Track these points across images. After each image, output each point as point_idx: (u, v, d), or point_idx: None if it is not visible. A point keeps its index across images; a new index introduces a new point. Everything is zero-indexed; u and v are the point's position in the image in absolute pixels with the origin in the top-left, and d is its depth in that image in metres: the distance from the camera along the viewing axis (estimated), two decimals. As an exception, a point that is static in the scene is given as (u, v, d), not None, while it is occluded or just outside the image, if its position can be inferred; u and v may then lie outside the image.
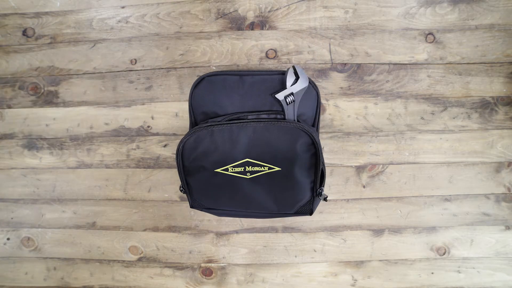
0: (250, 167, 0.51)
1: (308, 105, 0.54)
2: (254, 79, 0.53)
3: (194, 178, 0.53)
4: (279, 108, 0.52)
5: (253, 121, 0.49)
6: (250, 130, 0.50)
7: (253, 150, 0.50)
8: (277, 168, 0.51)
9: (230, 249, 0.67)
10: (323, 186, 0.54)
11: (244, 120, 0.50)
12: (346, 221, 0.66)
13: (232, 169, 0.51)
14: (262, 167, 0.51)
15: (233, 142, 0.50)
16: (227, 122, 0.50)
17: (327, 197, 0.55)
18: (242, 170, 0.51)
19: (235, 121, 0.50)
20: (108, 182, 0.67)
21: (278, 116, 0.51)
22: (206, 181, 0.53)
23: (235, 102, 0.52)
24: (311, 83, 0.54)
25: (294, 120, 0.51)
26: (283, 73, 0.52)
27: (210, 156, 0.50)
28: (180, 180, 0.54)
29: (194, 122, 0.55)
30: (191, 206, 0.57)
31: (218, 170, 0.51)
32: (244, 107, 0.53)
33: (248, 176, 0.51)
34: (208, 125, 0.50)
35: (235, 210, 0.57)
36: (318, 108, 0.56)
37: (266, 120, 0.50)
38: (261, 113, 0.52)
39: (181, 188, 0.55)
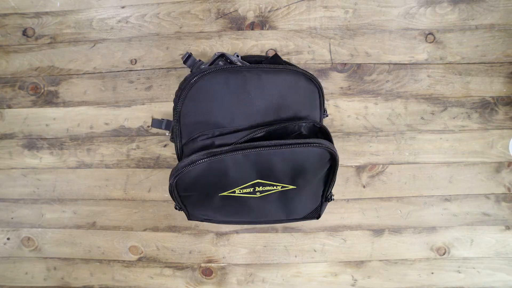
0: (260, 187, 0.45)
1: (311, 106, 0.49)
2: (263, 79, 0.45)
3: (191, 202, 0.47)
4: (289, 113, 0.46)
5: (263, 147, 0.41)
6: (264, 154, 0.41)
7: (265, 170, 0.43)
8: (291, 187, 0.46)
9: (230, 249, 0.67)
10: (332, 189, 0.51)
11: (258, 148, 0.41)
12: (346, 221, 0.66)
13: (240, 191, 0.45)
14: (275, 187, 0.45)
15: (240, 165, 0.42)
16: (235, 150, 0.40)
17: (333, 197, 0.54)
18: (251, 190, 0.45)
19: (246, 150, 0.40)
20: (108, 182, 0.67)
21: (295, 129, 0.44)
22: (207, 203, 0.47)
23: (242, 110, 0.45)
24: (312, 79, 0.48)
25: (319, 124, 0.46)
26: (283, 70, 0.46)
27: (212, 184, 0.43)
28: (174, 201, 0.47)
29: (179, 133, 0.46)
30: (189, 219, 0.53)
31: (224, 193, 0.45)
32: (251, 114, 0.45)
33: (258, 195, 0.46)
34: (211, 155, 0.40)
35: (238, 220, 0.54)
36: (321, 105, 0.50)
37: (278, 145, 0.41)
38: (275, 125, 0.44)
39: (176, 207, 0.49)
